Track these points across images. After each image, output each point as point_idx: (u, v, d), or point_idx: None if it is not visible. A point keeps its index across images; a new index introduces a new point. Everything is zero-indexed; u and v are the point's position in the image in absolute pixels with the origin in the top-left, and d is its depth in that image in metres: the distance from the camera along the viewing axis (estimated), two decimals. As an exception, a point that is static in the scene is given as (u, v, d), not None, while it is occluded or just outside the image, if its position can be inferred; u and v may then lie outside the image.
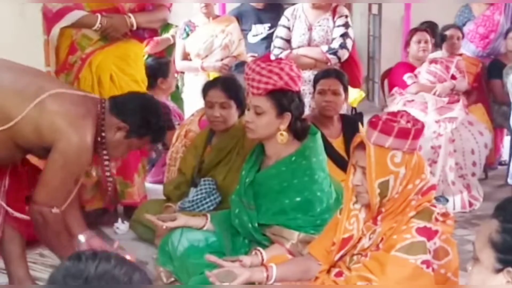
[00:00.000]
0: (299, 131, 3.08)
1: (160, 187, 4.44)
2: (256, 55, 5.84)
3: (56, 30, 4.25)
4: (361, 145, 2.54)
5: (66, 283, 1.29)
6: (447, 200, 5.06)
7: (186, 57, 5.94)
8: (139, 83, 4.50)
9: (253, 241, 3.12)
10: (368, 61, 9.02)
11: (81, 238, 3.29)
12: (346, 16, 5.17)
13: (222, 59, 5.85)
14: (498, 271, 1.76)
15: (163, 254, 3.30)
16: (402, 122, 2.50)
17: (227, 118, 3.81)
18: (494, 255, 1.75)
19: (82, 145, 2.99)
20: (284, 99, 3.00)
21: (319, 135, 3.14)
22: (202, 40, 5.84)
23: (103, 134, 3.10)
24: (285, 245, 3.00)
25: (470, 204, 5.16)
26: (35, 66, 3.38)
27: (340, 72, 4.45)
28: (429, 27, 6.02)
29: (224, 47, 5.90)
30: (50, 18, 4.28)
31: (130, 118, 3.12)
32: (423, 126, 2.54)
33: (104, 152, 3.16)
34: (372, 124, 2.51)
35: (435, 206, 2.57)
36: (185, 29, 5.99)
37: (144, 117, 3.15)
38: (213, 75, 5.52)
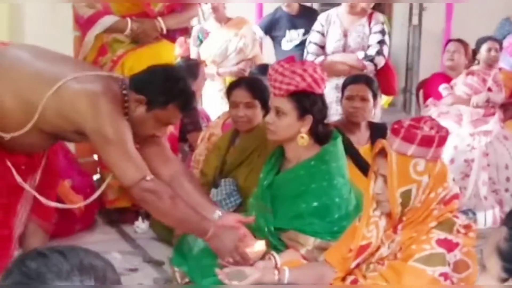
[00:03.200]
0: (320, 134, 3.01)
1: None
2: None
3: (90, 37, 4.24)
4: (383, 152, 2.46)
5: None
6: (474, 214, 4.94)
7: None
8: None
9: (269, 245, 3.05)
10: (407, 72, 8.90)
11: (215, 216, 3.04)
12: (383, 23, 5.09)
13: (238, 63, 5.80)
14: (504, 280, 1.66)
15: (178, 254, 3.28)
16: (426, 129, 2.41)
17: (251, 118, 3.76)
18: (500, 264, 1.66)
19: (108, 116, 2.86)
20: (306, 101, 2.94)
21: (340, 140, 3.06)
22: (216, 46, 5.83)
23: (126, 111, 2.97)
24: (300, 251, 2.93)
25: (502, 220, 5.01)
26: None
27: (369, 78, 4.37)
28: (490, 39, 5.89)
29: (239, 51, 5.88)
30: (82, 25, 4.27)
31: (147, 89, 2.97)
32: (447, 132, 2.45)
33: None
34: (394, 131, 2.42)
35: (457, 217, 2.48)
36: (198, 36, 5.98)
37: (160, 84, 2.98)
38: (230, 80, 5.48)
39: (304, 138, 2.97)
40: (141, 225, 4.38)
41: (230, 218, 3.03)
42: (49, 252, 1.28)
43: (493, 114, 5.35)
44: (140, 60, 4.20)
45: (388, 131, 4.30)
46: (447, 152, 5.02)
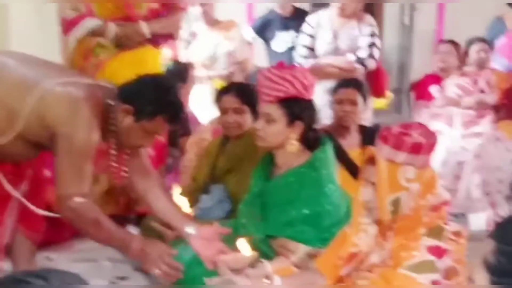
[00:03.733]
0: (310, 141, 3.00)
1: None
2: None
3: (72, 39, 4.18)
4: (372, 160, 2.44)
5: None
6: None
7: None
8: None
9: (260, 253, 3.03)
10: (399, 72, 8.89)
11: (190, 230, 3.01)
12: (373, 25, 5.08)
13: (228, 67, 5.79)
14: None
15: (168, 262, 3.23)
16: (414, 135, 2.39)
17: (241, 123, 3.74)
18: (488, 278, 1.64)
19: (84, 124, 2.81)
20: (296, 107, 2.92)
21: (330, 145, 3.04)
22: (205, 49, 5.79)
23: (112, 122, 2.93)
24: (291, 258, 2.90)
25: (495, 223, 5.01)
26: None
27: (358, 82, 4.36)
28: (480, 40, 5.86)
29: (229, 54, 5.84)
30: (65, 27, 4.21)
31: (135, 99, 2.91)
32: (436, 139, 2.43)
33: (114, 141, 3.00)
34: (383, 138, 2.41)
35: (448, 224, 2.47)
36: (186, 39, 5.94)
37: (149, 94, 2.91)
38: (220, 83, 5.46)
39: (294, 145, 2.96)
40: (131, 231, 4.34)
41: (207, 230, 3.00)
42: (30, 278, 1.25)
43: (485, 115, 5.34)
44: (122, 65, 4.15)
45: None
46: (438, 154, 5.01)
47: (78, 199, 2.83)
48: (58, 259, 3.87)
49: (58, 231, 4.21)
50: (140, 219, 4.36)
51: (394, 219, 2.43)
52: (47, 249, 3.96)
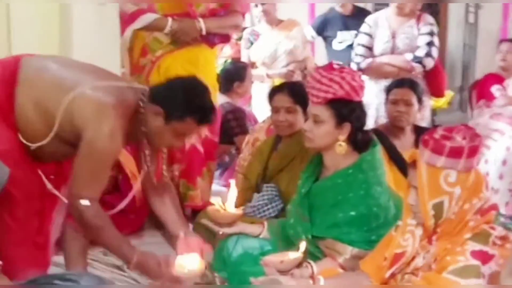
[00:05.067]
0: (359, 142, 2.99)
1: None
2: (341, 63, 5.76)
3: (128, 32, 4.30)
4: (415, 164, 2.43)
5: None
6: (519, 221, 4.84)
7: (252, 66, 5.93)
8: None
9: (307, 254, 3.05)
10: (463, 71, 8.77)
11: (181, 234, 3.17)
12: (431, 24, 5.04)
13: (287, 65, 5.80)
14: None
15: (218, 260, 3.28)
16: (457, 139, 2.36)
17: (293, 122, 3.75)
18: None
19: (108, 132, 2.86)
20: (344, 109, 2.92)
21: (378, 148, 3.03)
22: (267, 48, 5.83)
23: (142, 123, 2.98)
24: (337, 259, 2.92)
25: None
26: (111, 68, 3.36)
27: (414, 82, 4.32)
28: None
29: (289, 53, 5.86)
30: (125, 20, 4.32)
31: (166, 101, 2.95)
32: (480, 142, 2.40)
33: (145, 142, 3.08)
34: (424, 142, 2.39)
35: (494, 229, 2.43)
36: (249, 39, 5.99)
37: (179, 97, 2.94)
38: (279, 81, 5.48)
39: (342, 146, 2.96)
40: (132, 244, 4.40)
41: (193, 241, 3.13)
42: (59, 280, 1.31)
43: (548, 115, 5.23)
44: (176, 62, 4.24)
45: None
46: (499, 154, 4.94)
47: (85, 202, 2.91)
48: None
49: (118, 229, 4.32)
50: (196, 215, 4.43)
51: (437, 223, 2.41)
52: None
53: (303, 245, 2.76)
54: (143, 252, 3.05)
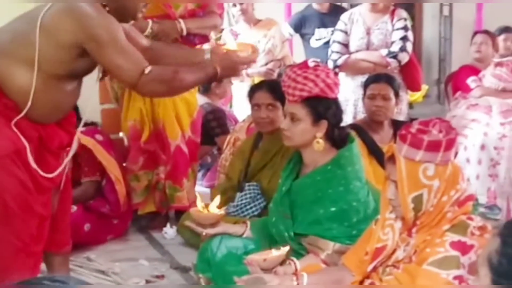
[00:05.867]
0: (336, 139, 3.02)
1: (214, 192, 4.43)
2: (318, 60, 5.79)
3: None
4: (393, 158, 2.46)
5: None
6: (499, 210, 4.90)
7: None
8: (189, 88, 4.55)
9: (290, 251, 3.07)
10: (440, 63, 8.83)
11: (207, 54, 3.25)
12: (405, 19, 5.07)
13: (266, 64, 5.83)
14: None
15: (202, 261, 3.29)
16: (434, 132, 2.40)
17: (273, 119, 3.78)
18: (489, 276, 1.64)
19: (95, 19, 2.85)
20: (320, 106, 2.96)
21: (355, 143, 3.07)
22: None
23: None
24: (320, 255, 2.94)
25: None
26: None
27: (391, 76, 4.36)
28: (506, 31, 5.82)
29: (268, 52, 5.91)
30: None
31: None
32: (456, 134, 2.44)
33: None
34: (402, 137, 2.42)
35: (472, 219, 2.47)
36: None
37: None
38: (259, 80, 5.51)
39: (319, 143, 2.98)
40: (169, 230, 4.43)
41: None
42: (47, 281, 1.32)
43: (524, 104, 5.29)
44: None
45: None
46: (477, 140, 5.02)
47: (148, 69, 2.92)
48: (98, 259, 3.96)
49: (102, 234, 4.34)
50: (179, 216, 4.46)
51: (417, 216, 2.45)
52: (87, 250, 4.06)
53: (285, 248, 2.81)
54: (215, 62, 3.12)
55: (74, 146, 3.19)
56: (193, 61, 3.25)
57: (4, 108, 2.92)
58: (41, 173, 3.00)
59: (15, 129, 2.91)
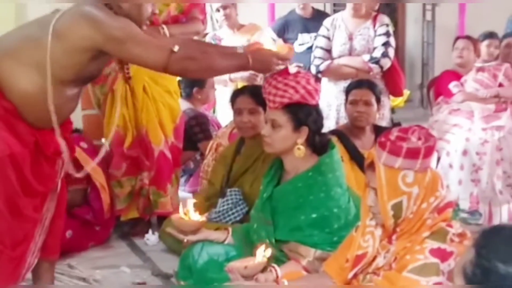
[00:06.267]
0: (317, 145, 3.03)
1: (197, 197, 4.42)
2: (301, 65, 5.80)
3: None
4: (373, 165, 2.47)
5: None
6: (480, 215, 4.92)
7: None
8: (172, 94, 4.57)
9: (272, 257, 3.07)
10: (423, 68, 8.87)
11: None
12: (387, 25, 5.07)
13: (250, 69, 5.84)
14: None
15: (183, 267, 3.29)
16: (413, 140, 2.41)
17: (255, 124, 3.78)
18: (464, 286, 1.65)
19: (107, 19, 2.91)
20: (301, 113, 2.97)
21: (336, 150, 3.07)
22: None
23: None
24: (301, 262, 2.95)
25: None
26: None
27: (372, 82, 4.37)
28: (490, 37, 5.84)
29: (251, 57, 5.88)
30: None
31: None
32: (435, 142, 2.45)
33: None
34: (381, 144, 2.43)
35: (451, 226, 2.48)
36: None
37: None
38: (242, 85, 5.51)
39: (300, 150, 2.99)
40: (151, 237, 4.42)
41: None
42: None
43: (505, 109, 5.33)
44: (140, 69, 4.20)
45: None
46: (459, 145, 5.04)
47: (175, 48, 2.92)
48: (79, 266, 3.94)
49: (84, 240, 4.32)
50: (162, 222, 4.45)
51: (397, 223, 2.45)
52: (69, 257, 4.04)
53: (266, 250, 2.78)
54: (253, 51, 3.07)
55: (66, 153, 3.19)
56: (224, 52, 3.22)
57: (3, 111, 2.94)
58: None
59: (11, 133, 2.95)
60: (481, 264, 1.60)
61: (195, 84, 5.50)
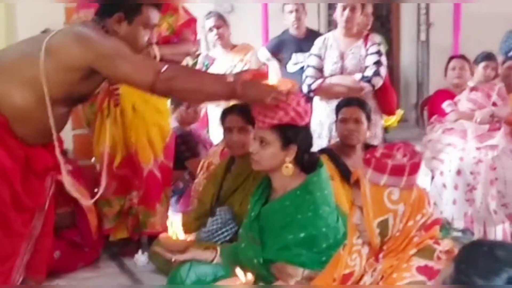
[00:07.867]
0: (305, 164, 3.01)
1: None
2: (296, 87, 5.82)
3: None
4: (358, 183, 2.44)
5: None
6: (472, 234, 4.88)
7: None
8: (162, 113, 4.54)
9: (260, 277, 3.04)
10: (418, 87, 8.89)
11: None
12: (379, 44, 5.09)
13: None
14: None
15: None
16: (398, 157, 2.39)
17: (245, 142, 3.76)
18: None
19: (97, 38, 2.97)
20: (289, 132, 2.95)
21: (324, 168, 3.05)
22: (221, 72, 5.83)
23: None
24: (289, 282, 2.91)
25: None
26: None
27: (362, 100, 4.35)
28: (488, 59, 5.84)
29: (244, 77, 5.89)
30: None
31: (117, 5, 3.11)
32: (420, 159, 2.42)
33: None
34: (366, 161, 2.40)
35: (438, 243, 2.45)
36: (204, 63, 6.01)
37: None
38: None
39: (288, 168, 2.97)
40: (141, 257, 4.39)
41: None
42: None
43: (499, 128, 5.30)
44: (130, 88, 4.23)
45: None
46: (453, 165, 5.01)
47: (164, 67, 2.92)
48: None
49: (73, 261, 4.29)
50: (152, 242, 4.42)
51: (383, 241, 2.42)
52: (57, 278, 4.00)
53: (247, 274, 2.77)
54: (245, 81, 2.92)
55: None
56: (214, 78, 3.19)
57: None
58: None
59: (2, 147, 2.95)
60: (460, 279, 1.58)
61: (181, 103, 5.49)
